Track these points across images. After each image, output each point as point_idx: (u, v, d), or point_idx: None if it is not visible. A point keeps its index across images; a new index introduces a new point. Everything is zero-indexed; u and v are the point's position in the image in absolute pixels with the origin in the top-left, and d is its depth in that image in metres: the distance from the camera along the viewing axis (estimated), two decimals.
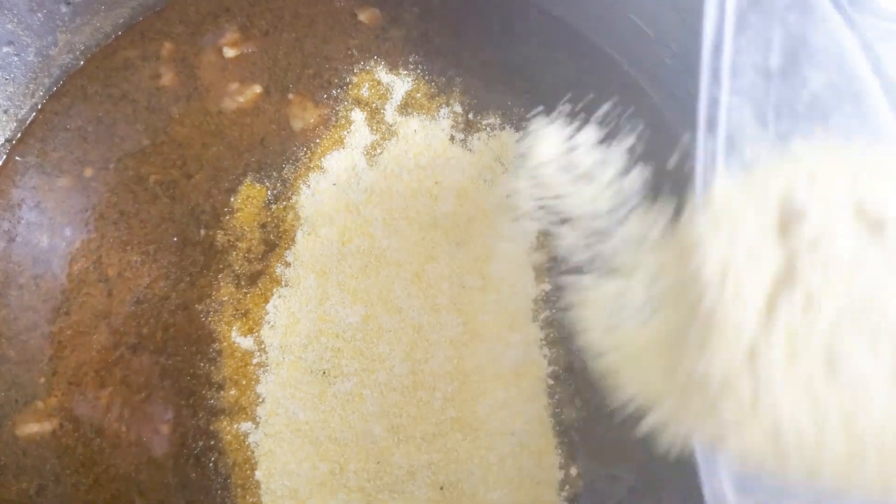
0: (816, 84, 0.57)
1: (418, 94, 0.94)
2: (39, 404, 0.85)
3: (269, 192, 0.90)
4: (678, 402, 0.54)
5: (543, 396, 0.86)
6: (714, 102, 0.56)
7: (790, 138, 0.56)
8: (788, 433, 0.49)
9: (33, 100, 0.93)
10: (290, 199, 0.90)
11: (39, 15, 0.90)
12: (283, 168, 0.91)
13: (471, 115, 0.94)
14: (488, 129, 0.93)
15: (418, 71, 0.95)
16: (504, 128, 0.93)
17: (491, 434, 0.83)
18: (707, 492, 0.55)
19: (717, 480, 0.54)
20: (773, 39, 0.58)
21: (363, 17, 0.97)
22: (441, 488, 0.82)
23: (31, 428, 0.84)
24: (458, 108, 0.94)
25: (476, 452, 0.82)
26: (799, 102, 0.58)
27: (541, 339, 0.87)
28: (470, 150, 0.92)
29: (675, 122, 0.93)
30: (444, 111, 0.93)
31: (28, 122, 0.92)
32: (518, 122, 0.94)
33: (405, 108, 0.93)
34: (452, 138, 0.92)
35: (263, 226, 0.89)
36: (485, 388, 0.85)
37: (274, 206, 0.90)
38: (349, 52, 0.96)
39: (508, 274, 0.88)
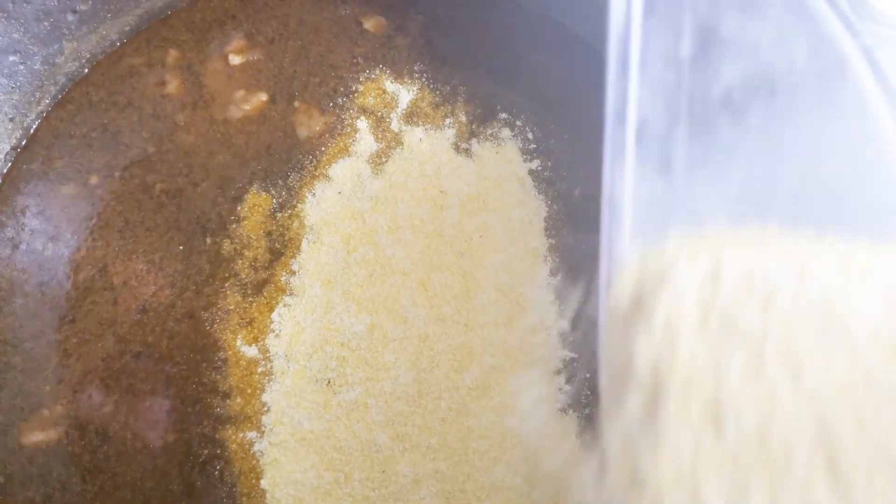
0: (729, 76, 0.55)
1: (423, 103, 0.94)
2: (45, 412, 0.85)
3: (274, 201, 0.90)
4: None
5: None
6: (623, 94, 0.54)
7: (706, 134, 0.54)
8: None
9: (39, 108, 0.93)
10: (295, 207, 0.90)
11: (46, 24, 0.90)
12: (289, 176, 0.91)
13: (475, 125, 0.94)
14: (493, 138, 0.93)
15: (423, 79, 0.95)
16: (509, 137, 0.93)
17: (497, 444, 0.83)
18: None
19: None
20: (682, 29, 0.55)
21: (368, 25, 0.97)
22: (447, 498, 0.81)
23: (37, 436, 0.84)
24: (463, 118, 0.94)
25: (482, 462, 0.82)
26: (712, 95, 0.55)
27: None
28: (475, 158, 0.91)
29: None
30: (449, 120, 0.93)
31: (33, 129, 0.93)
32: (523, 131, 0.94)
33: (410, 116, 0.93)
34: (457, 147, 0.92)
35: (269, 234, 0.89)
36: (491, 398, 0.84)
37: (279, 215, 0.90)
38: (354, 61, 0.96)
39: (515, 283, 0.88)
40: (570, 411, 0.85)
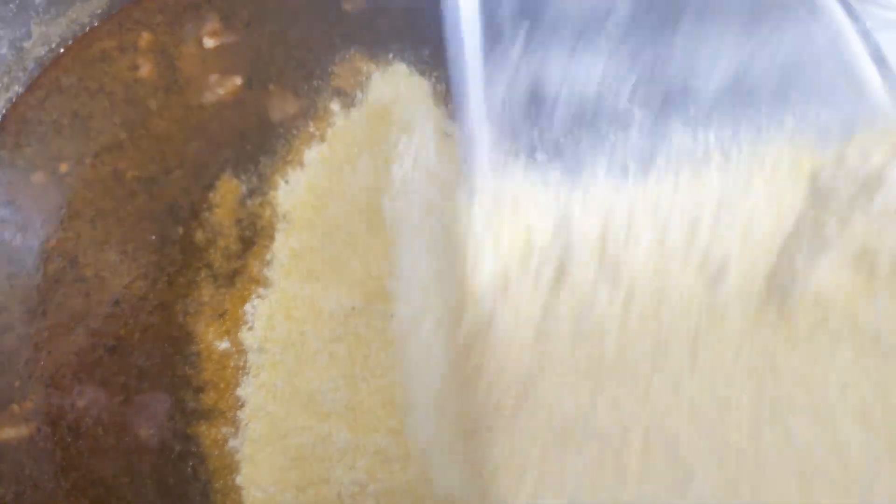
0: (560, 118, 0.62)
1: (403, 85, 0.91)
2: (15, 408, 0.82)
3: (244, 188, 0.87)
4: None
5: None
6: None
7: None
8: None
9: (7, 94, 0.90)
10: (266, 194, 0.87)
11: (12, 6, 0.87)
12: (260, 162, 0.88)
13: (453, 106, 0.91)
14: None
15: (404, 59, 0.92)
16: None
17: None
18: None
19: None
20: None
21: (348, 6, 0.94)
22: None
23: (8, 433, 0.82)
24: (445, 98, 0.91)
25: None
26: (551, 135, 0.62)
27: None
28: (454, 141, 0.88)
29: None
30: (430, 102, 0.90)
31: (1, 116, 0.90)
32: None
33: (389, 99, 0.90)
34: (439, 130, 0.89)
35: (239, 222, 0.87)
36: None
37: (250, 202, 0.87)
38: (332, 42, 0.93)
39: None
40: None
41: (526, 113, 0.62)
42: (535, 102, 0.62)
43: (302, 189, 0.86)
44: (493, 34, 0.62)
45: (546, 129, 0.62)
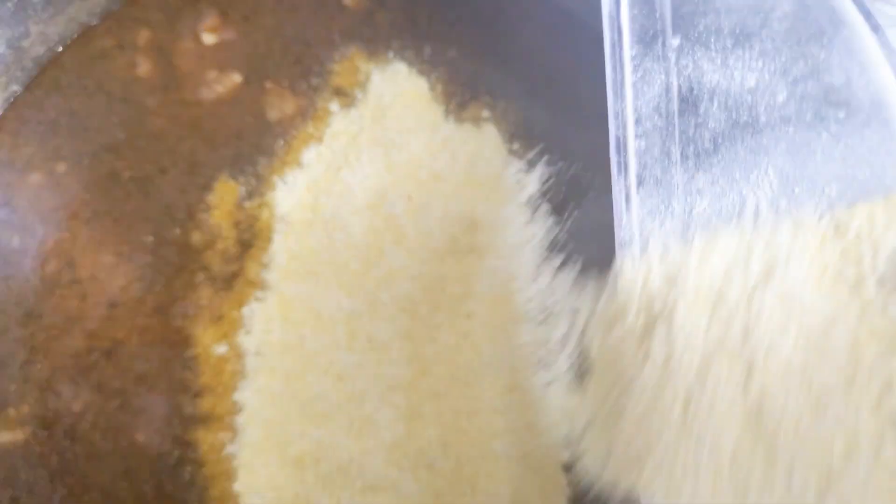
0: (716, 121, 0.63)
1: (404, 84, 0.88)
2: (11, 412, 0.81)
3: (242, 189, 0.86)
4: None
5: None
6: (622, 145, 0.62)
7: (696, 176, 0.63)
8: None
9: (4, 93, 0.89)
10: (264, 195, 0.85)
11: (9, 4, 0.86)
12: (258, 162, 0.87)
13: (459, 106, 0.89)
14: (477, 120, 0.89)
15: (403, 57, 0.90)
16: (494, 119, 0.89)
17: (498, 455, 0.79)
18: None
19: None
20: (670, 82, 0.63)
21: (348, 0, 0.91)
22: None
23: (3, 437, 0.81)
24: (445, 98, 0.89)
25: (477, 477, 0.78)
26: (703, 139, 0.63)
27: None
28: (457, 142, 0.86)
29: None
30: (430, 101, 0.88)
31: None
32: (508, 114, 0.89)
33: (389, 97, 0.88)
34: (439, 130, 0.87)
35: (237, 224, 0.85)
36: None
37: (247, 204, 0.85)
38: (331, 38, 0.91)
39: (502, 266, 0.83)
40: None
41: (675, 122, 0.63)
42: (686, 112, 0.63)
43: (300, 190, 0.84)
44: (644, 47, 0.63)
45: (697, 139, 0.63)
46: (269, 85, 0.89)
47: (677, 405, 0.57)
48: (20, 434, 0.81)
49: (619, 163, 0.62)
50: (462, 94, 0.90)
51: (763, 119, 0.63)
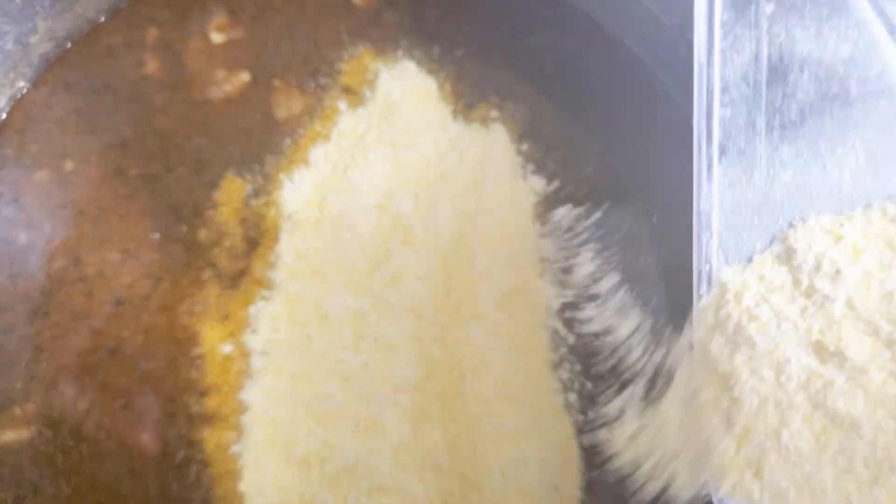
0: (805, 93, 0.61)
1: (412, 83, 0.88)
2: (17, 410, 0.81)
3: (249, 187, 0.85)
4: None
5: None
6: (708, 115, 0.61)
7: (780, 147, 0.62)
8: None
9: (12, 90, 0.89)
10: (271, 194, 0.85)
11: (17, 1, 0.86)
12: (266, 161, 0.86)
13: (468, 106, 0.89)
14: (486, 120, 0.88)
15: (412, 56, 0.90)
16: (502, 120, 0.88)
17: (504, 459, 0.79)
18: None
19: None
20: (760, 50, 0.61)
21: None
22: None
23: (9, 435, 0.81)
24: (454, 98, 0.89)
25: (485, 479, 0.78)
26: (789, 111, 0.62)
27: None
28: (465, 142, 0.86)
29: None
30: (438, 100, 0.88)
31: (6, 113, 0.88)
32: (517, 114, 0.89)
33: (397, 96, 0.87)
34: (447, 130, 0.86)
35: (244, 222, 0.85)
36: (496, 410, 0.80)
37: (254, 202, 0.85)
38: (340, 38, 0.90)
39: (508, 270, 0.83)
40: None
41: (763, 92, 0.62)
42: (775, 82, 0.62)
43: (307, 189, 0.84)
44: (736, 13, 0.61)
45: (783, 110, 0.62)
46: (277, 83, 0.89)
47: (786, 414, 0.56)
48: (25, 433, 0.81)
49: (702, 131, 0.61)
50: (470, 94, 0.89)
51: (854, 92, 0.61)
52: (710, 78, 0.61)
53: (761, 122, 0.62)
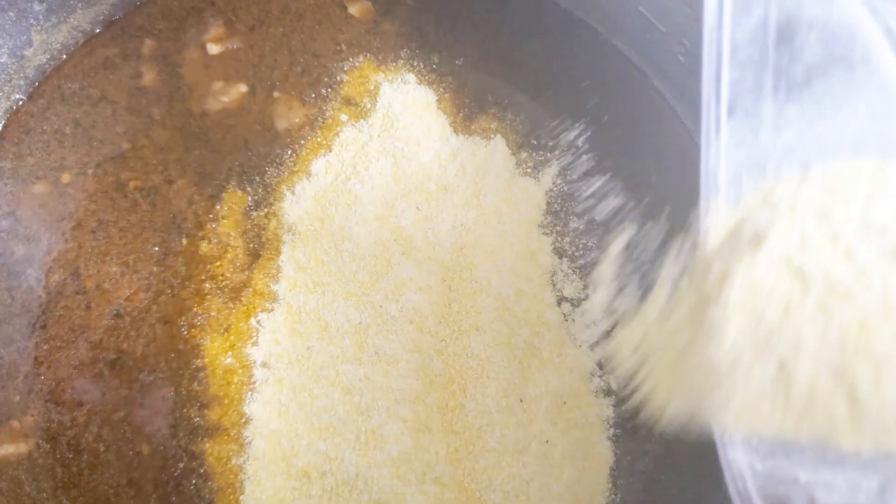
0: (811, 55, 0.61)
1: (412, 94, 0.88)
2: (15, 424, 0.81)
3: (250, 199, 0.85)
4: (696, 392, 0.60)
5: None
6: (717, 77, 0.61)
7: (786, 108, 0.62)
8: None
9: (8, 102, 0.89)
10: (272, 205, 0.85)
11: (11, 14, 0.86)
12: (266, 172, 0.87)
13: (467, 116, 0.89)
14: (486, 131, 0.89)
15: (412, 67, 0.90)
16: (502, 131, 0.89)
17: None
18: (724, 461, 0.59)
19: (734, 451, 0.59)
20: (769, 13, 0.62)
21: (354, 10, 0.92)
22: None
23: (7, 449, 0.80)
24: (454, 109, 0.89)
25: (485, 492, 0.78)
26: (795, 73, 0.62)
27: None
28: (466, 153, 0.86)
29: (687, 120, 0.88)
30: (438, 111, 0.88)
31: (2, 125, 0.88)
32: (517, 125, 0.89)
33: (398, 108, 0.87)
34: (448, 141, 0.87)
35: (244, 234, 0.85)
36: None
37: (255, 214, 0.85)
38: (338, 48, 0.91)
39: (512, 280, 0.83)
40: None
41: (770, 54, 0.62)
42: (782, 44, 0.62)
43: (308, 200, 0.84)
44: None
45: (790, 72, 0.62)
46: (277, 94, 0.89)
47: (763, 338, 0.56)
48: (24, 446, 0.80)
49: (711, 92, 0.61)
50: (470, 105, 0.90)
51: (859, 54, 0.61)
52: (719, 41, 0.61)
53: (768, 84, 0.62)
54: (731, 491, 0.59)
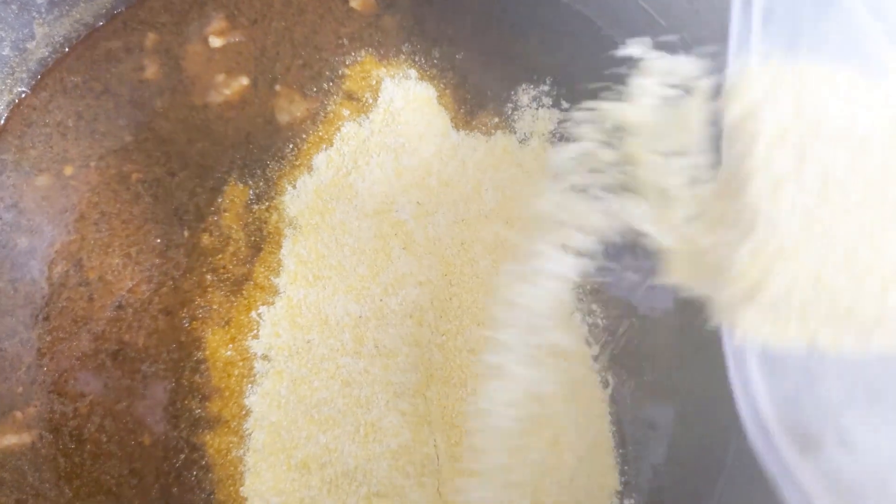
0: None
1: (414, 89, 0.88)
2: (18, 415, 0.81)
3: (251, 192, 0.86)
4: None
5: None
6: None
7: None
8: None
9: (10, 95, 0.89)
10: (273, 199, 0.86)
11: (13, 6, 0.86)
12: (268, 166, 0.87)
13: (468, 112, 0.90)
14: (487, 124, 0.89)
15: (413, 61, 0.90)
16: (503, 123, 0.89)
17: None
18: (737, 386, 0.55)
19: (746, 367, 0.55)
20: None
21: (355, 3, 0.92)
22: None
23: (10, 440, 0.81)
24: (455, 105, 0.89)
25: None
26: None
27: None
28: (467, 148, 0.86)
29: None
30: (439, 107, 0.88)
31: (4, 118, 0.88)
32: (518, 120, 0.89)
33: (399, 102, 0.88)
34: (449, 136, 0.87)
35: (246, 227, 0.85)
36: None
37: (256, 207, 0.86)
38: (340, 42, 0.91)
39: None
40: None
41: None
42: None
43: (309, 194, 0.84)
44: None
45: None
46: (279, 88, 0.89)
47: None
48: (27, 437, 0.81)
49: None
50: (471, 100, 0.90)
51: None
52: None
53: None
54: (746, 422, 0.54)
